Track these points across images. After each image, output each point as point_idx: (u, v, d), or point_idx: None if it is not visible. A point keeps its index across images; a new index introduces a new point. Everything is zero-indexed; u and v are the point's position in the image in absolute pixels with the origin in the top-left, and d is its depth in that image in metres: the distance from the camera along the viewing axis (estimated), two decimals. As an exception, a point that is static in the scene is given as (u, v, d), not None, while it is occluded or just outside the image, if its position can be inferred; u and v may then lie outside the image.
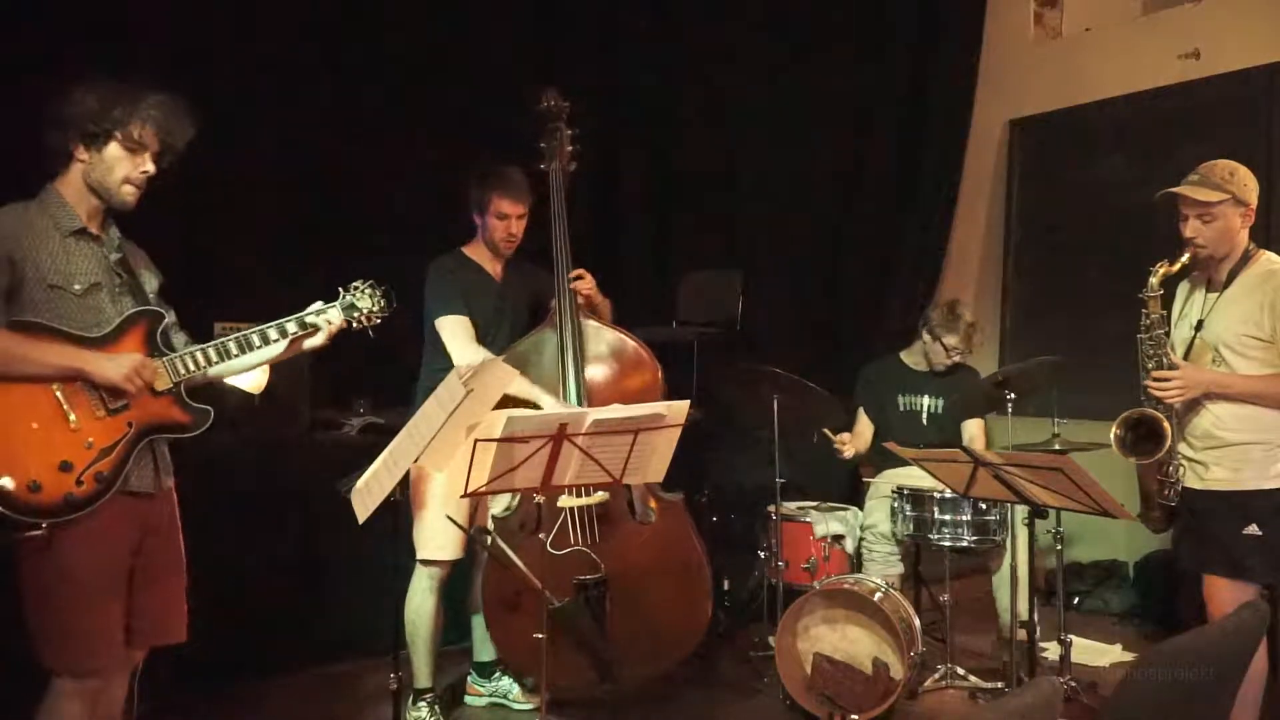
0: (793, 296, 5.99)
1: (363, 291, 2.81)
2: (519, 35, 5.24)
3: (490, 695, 3.92)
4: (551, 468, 2.82)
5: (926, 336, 4.54)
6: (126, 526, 2.59)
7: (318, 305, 2.77)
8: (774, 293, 5.67)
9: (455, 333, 3.63)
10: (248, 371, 2.84)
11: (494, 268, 3.81)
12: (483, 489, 2.79)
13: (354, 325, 2.80)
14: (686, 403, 2.92)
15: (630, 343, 3.72)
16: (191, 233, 4.27)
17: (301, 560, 4.17)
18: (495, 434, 2.68)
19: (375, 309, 2.81)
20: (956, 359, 4.51)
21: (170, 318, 2.73)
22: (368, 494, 2.76)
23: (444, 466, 2.81)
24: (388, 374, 3.80)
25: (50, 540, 2.44)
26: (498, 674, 3.91)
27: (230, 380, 2.89)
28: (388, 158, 4.79)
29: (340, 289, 2.80)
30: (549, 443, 2.76)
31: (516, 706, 3.87)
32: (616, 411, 2.91)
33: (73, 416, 2.46)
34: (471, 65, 4.97)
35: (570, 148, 3.80)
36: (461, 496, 2.79)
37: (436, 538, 3.58)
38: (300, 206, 4.62)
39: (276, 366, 2.89)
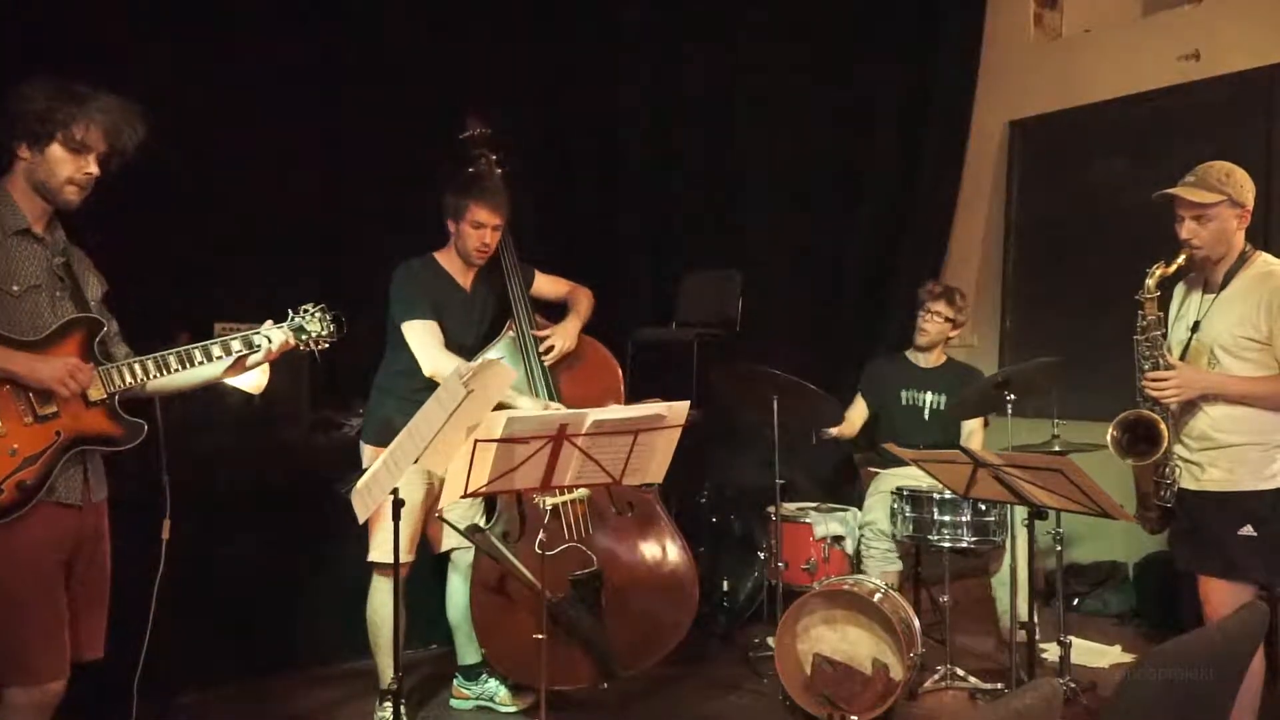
0: (793, 296, 5.99)
1: (313, 315, 2.77)
2: (518, 34, 5.23)
3: (477, 698, 3.89)
4: (552, 468, 2.82)
5: (920, 313, 4.57)
6: (56, 534, 2.49)
7: (268, 324, 2.74)
8: (774, 293, 5.66)
9: (423, 340, 3.59)
10: (192, 387, 2.76)
11: (464, 278, 3.80)
12: (483, 489, 2.79)
13: (302, 348, 2.77)
14: (686, 403, 2.92)
15: (591, 345, 3.85)
16: (191, 233, 4.26)
17: (301, 560, 4.17)
18: (495, 434, 2.68)
19: (324, 333, 2.77)
20: (939, 322, 4.53)
21: (111, 327, 2.66)
22: (368, 494, 2.76)
23: (444, 467, 2.81)
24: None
25: None
26: (483, 676, 3.88)
27: (230, 381, 2.88)
28: (387, 158, 4.78)
29: (290, 311, 2.77)
30: (549, 443, 2.76)
31: (503, 709, 3.84)
32: (617, 412, 2.91)
33: None
34: (472, 64, 4.96)
35: (499, 171, 3.89)
36: (461, 496, 2.79)
37: (389, 540, 3.57)
38: (300, 207, 4.62)
39: (276, 367, 2.88)
